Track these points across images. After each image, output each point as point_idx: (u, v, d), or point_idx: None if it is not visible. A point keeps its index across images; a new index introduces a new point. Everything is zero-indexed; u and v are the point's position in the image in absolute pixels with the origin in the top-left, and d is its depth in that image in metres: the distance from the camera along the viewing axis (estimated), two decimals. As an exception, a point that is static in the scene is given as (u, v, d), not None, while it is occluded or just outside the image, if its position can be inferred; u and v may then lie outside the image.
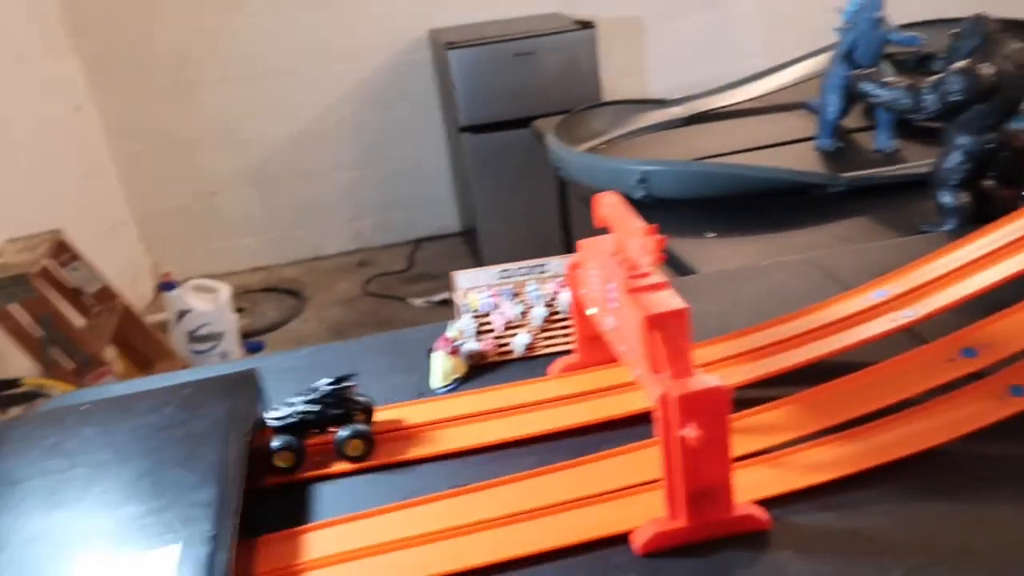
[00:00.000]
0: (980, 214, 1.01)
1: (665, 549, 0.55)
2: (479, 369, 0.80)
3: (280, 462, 0.68)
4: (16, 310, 2.05)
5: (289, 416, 0.69)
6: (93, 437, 0.67)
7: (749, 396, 0.68)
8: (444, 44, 2.84)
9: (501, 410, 0.72)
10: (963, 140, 1.02)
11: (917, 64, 1.64)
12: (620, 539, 0.56)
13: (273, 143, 3.36)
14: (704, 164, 1.39)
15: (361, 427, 0.69)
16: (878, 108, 1.38)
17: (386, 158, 3.49)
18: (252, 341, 2.96)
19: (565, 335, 0.82)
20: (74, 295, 2.37)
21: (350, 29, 3.22)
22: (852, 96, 1.44)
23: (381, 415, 0.72)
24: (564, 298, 0.84)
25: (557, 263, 0.86)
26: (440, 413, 0.72)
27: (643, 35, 3.49)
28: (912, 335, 0.75)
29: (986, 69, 0.96)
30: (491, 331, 0.83)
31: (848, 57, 1.44)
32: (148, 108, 3.19)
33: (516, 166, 2.99)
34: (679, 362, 0.52)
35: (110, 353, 2.29)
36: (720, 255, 1.17)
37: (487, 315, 0.84)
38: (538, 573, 0.55)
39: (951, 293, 0.73)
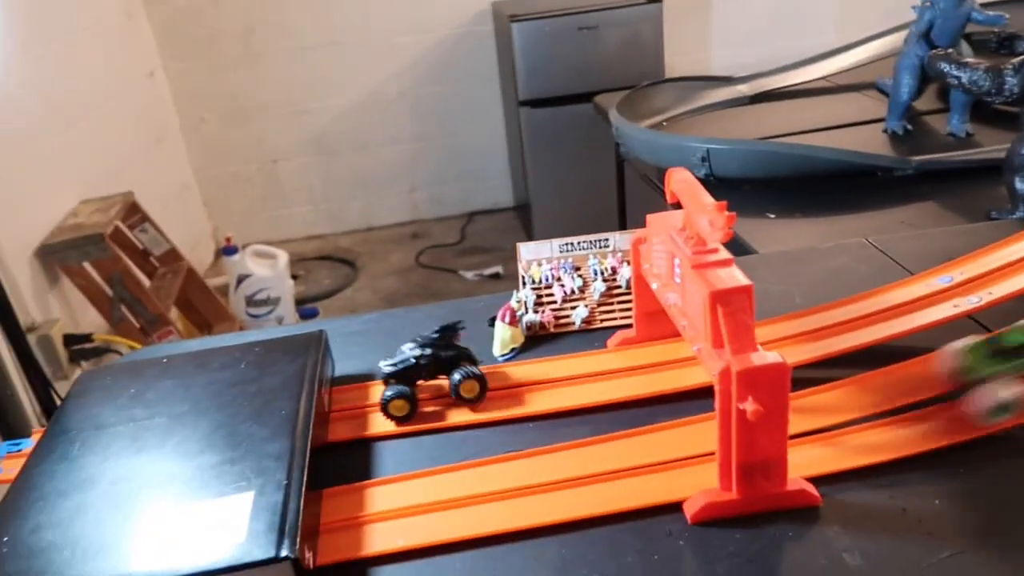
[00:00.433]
0: (1055, 202, 0.99)
1: (716, 519, 0.56)
2: (537, 340, 0.82)
3: (394, 411, 0.69)
4: (88, 269, 2.14)
5: (403, 362, 0.70)
6: (172, 389, 0.71)
7: (807, 376, 0.69)
8: (507, 16, 2.83)
9: (557, 380, 0.74)
10: (1041, 125, 0.99)
11: (999, 45, 1.58)
12: (672, 507, 0.57)
13: (333, 114, 3.41)
14: (767, 143, 1.38)
15: (474, 369, 0.70)
16: (954, 90, 1.34)
17: (444, 131, 3.51)
18: (306, 307, 3.03)
19: (623, 309, 0.83)
20: (142, 256, 2.46)
21: (414, 1, 3.24)
22: (927, 77, 1.40)
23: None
24: (624, 273, 0.85)
25: (619, 238, 0.87)
26: (497, 382, 0.74)
27: (710, 11, 3.42)
28: (976, 323, 0.74)
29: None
30: (551, 303, 0.84)
31: (926, 36, 1.39)
32: (215, 76, 3.26)
33: (573, 142, 2.98)
34: (741, 338, 0.52)
35: (173, 313, 2.38)
36: (781, 236, 1.16)
37: (548, 287, 0.85)
38: (592, 536, 0.56)
39: (1018, 281, 0.72)
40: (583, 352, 0.78)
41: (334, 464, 0.66)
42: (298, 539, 0.52)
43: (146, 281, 2.35)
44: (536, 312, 0.83)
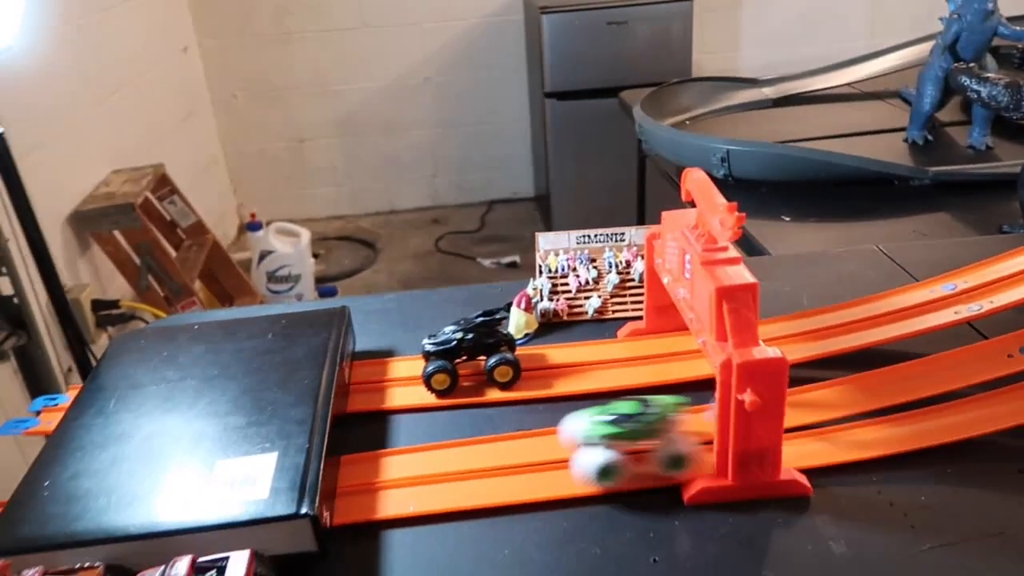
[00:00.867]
0: (1067, 219, 1.00)
1: (711, 503, 0.59)
2: (550, 327, 0.85)
3: (437, 385, 0.74)
4: (118, 237, 2.19)
5: (446, 342, 0.74)
6: (202, 354, 0.74)
7: (805, 374, 0.72)
8: (538, 8, 2.85)
9: (568, 365, 0.77)
10: (1057, 142, 1.00)
11: (1022, 61, 1.59)
12: (671, 490, 0.61)
13: (361, 97, 3.44)
14: (787, 147, 1.40)
15: (509, 356, 0.74)
16: (975, 104, 1.35)
17: (468, 119, 3.53)
18: (326, 286, 3.08)
19: (635, 302, 0.86)
20: (170, 227, 2.52)
21: (446, -12, 3.26)
22: (949, 89, 1.41)
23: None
24: (637, 267, 0.88)
25: (635, 233, 0.90)
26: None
27: (740, 10, 3.42)
28: (976, 331, 0.76)
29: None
30: (566, 292, 0.87)
31: (951, 48, 1.40)
32: (247, 54, 3.31)
33: (596, 135, 3.00)
34: (744, 332, 0.55)
35: (196, 285, 2.43)
36: (794, 239, 1.18)
37: (564, 276, 0.89)
38: (593, 512, 0.60)
39: (1020, 292, 0.74)
40: (594, 340, 0.81)
41: (352, 433, 0.70)
42: (317, 498, 0.55)
43: (172, 252, 2.40)
44: (551, 300, 0.86)
